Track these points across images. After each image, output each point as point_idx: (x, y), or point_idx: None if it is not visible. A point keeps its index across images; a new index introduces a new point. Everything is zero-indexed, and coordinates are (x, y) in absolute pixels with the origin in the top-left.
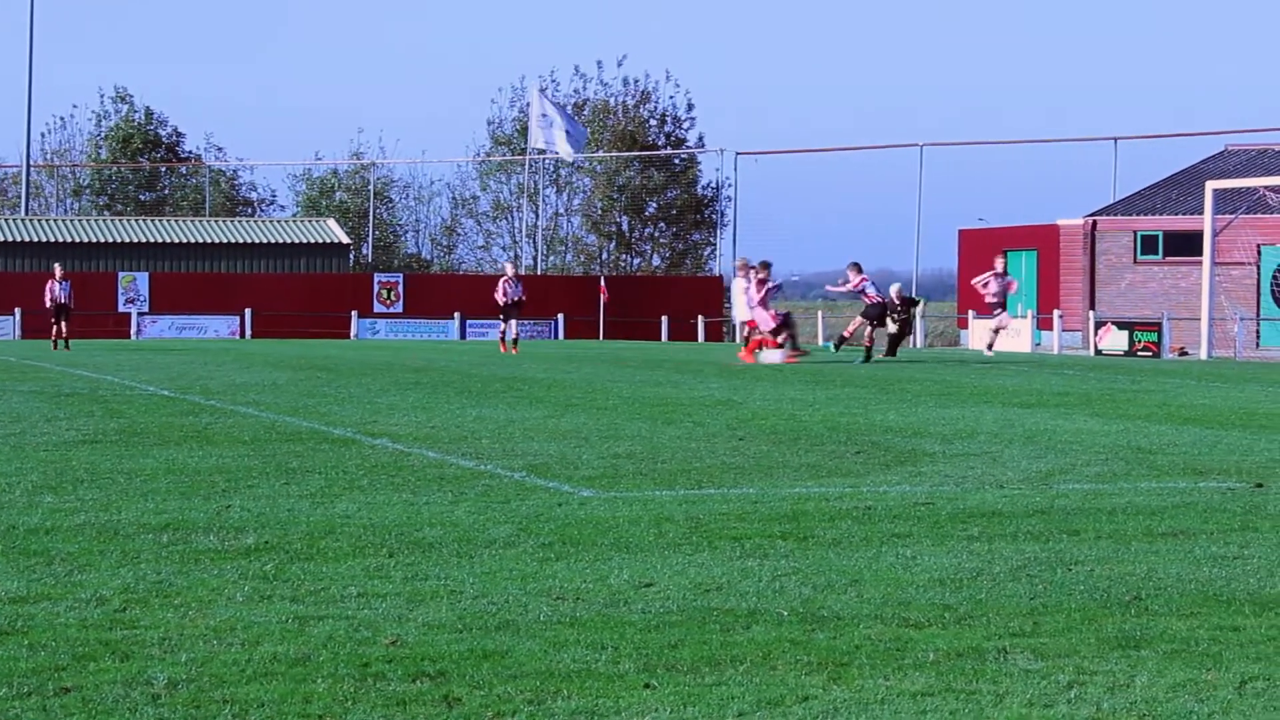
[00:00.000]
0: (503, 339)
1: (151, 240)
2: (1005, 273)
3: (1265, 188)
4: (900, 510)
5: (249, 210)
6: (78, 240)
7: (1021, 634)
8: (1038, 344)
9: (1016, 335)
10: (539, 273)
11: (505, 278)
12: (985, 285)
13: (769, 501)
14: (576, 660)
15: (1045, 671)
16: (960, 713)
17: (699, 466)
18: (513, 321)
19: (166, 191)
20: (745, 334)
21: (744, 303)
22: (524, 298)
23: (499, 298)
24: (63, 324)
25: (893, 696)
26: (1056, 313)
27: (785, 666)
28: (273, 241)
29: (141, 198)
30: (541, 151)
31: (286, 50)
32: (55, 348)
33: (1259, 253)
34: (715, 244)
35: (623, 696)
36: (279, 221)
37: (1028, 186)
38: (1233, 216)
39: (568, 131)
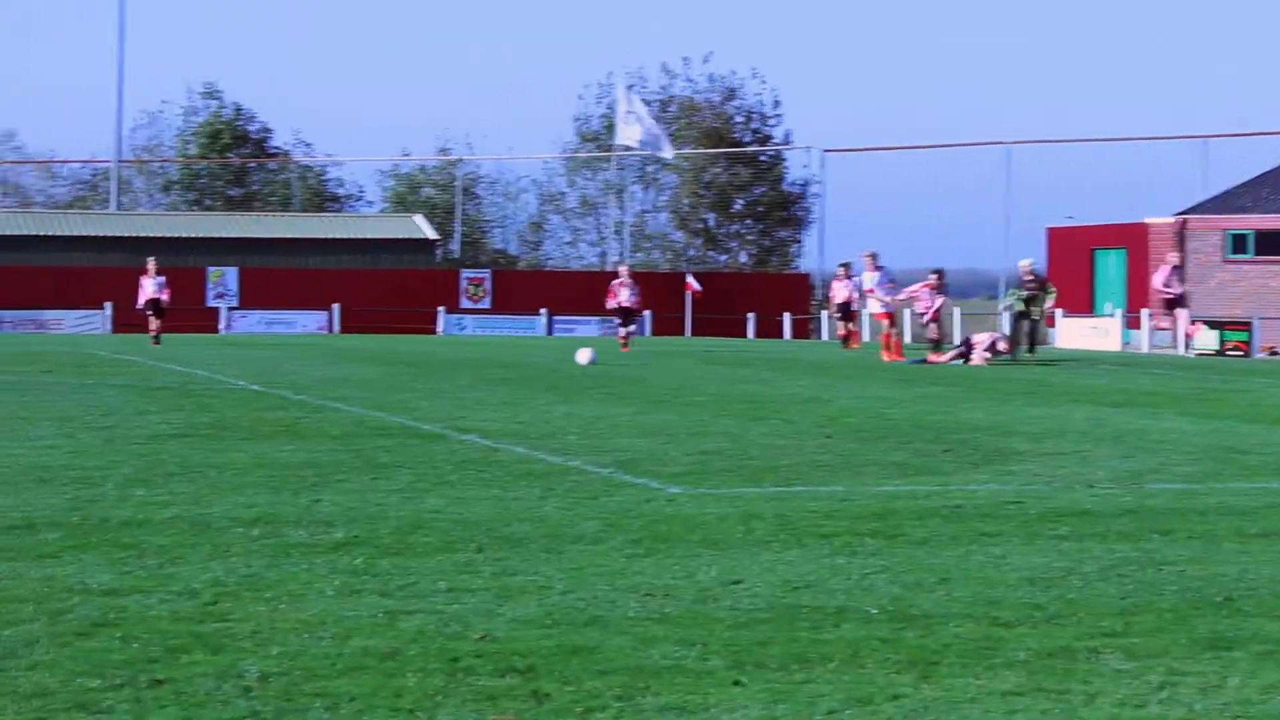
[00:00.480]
0: (624, 340)
1: (240, 236)
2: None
3: None
4: (989, 509)
5: (336, 206)
6: (167, 236)
7: (1112, 634)
8: (1127, 343)
9: (1106, 335)
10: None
11: (619, 281)
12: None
13: (857, 499)
14: (665, 657)
15: (1136, 672)
16: (1051, 712)
17: (787, 464)
18: (629, 325)
19: (255, 187)
20: (885, 330)
21: (879, 296)
22: (638, 304)
23: (611, 302)
24: (158, 320)
25: (983, 695)
26: (1145, 312)
27: (874, 664)
28: (360, 237)
29: (230, 193)
30: (628, 148)
31: (374, 46)
32: (155, 343)
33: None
34: (802, 241)
35: (711, 693)
36: (366, 217)
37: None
38: None
39: (657, 133)
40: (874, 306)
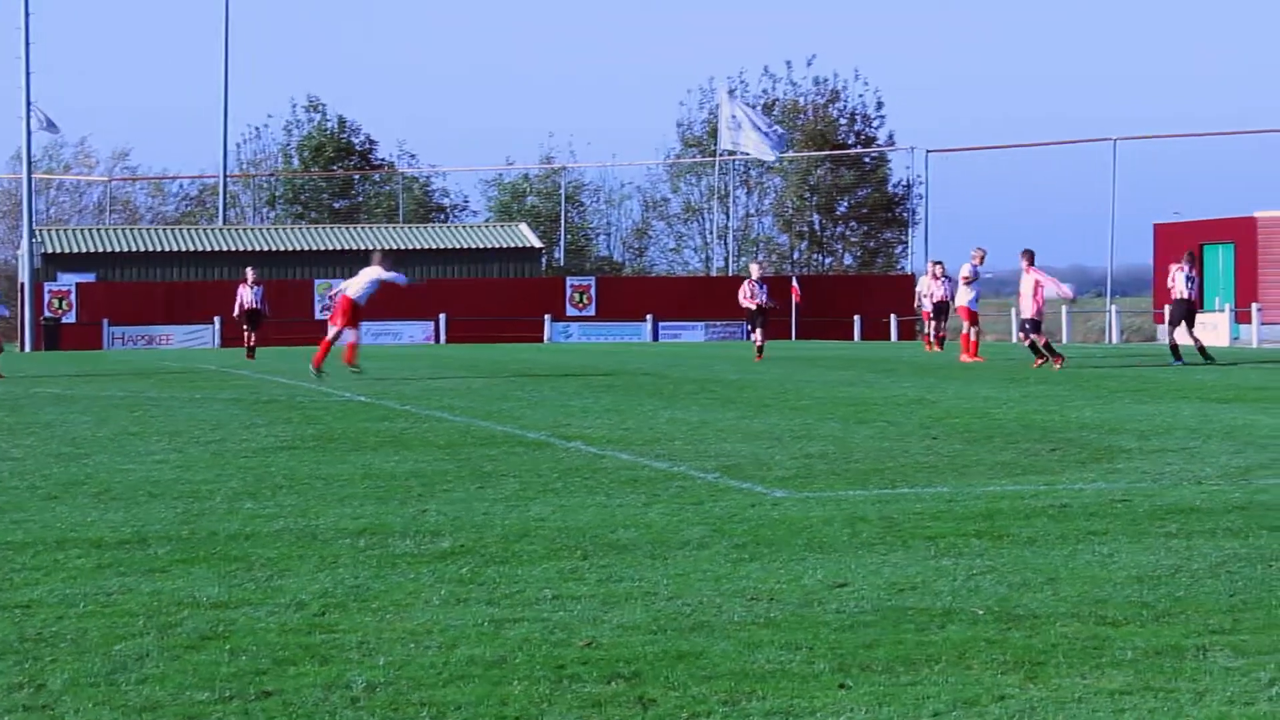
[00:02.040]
0: (758, 350)
1: (346, 247)
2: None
3: None
4: (1096, 507)
5: (442, 216)
6: (274, 249)
7: (1221, 631)
8: (1236, 338)
9: (1215, 330)
10: (730, 274)
11: (749, 279)
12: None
13: (963, 500)
14: (771, 660)
15: (1246, 669)
16: (1159, 711)
17: (892, 465)
18: (758, 329)
19: (360, 199)
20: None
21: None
22: (773, 303)
23: (745, 302)
24: (254, 332)
25: (1090, 695)
26: (1255, 306)
27: (981, 666)
28: (466, 247)
29: (335, 205)
30: (731, 153)
31: (477, 56)
32: (250, 356)
33: None
34: (908, 242)
35: (817, 696)
36: (472, 227)
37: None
38: None
39: (764, 133)
40: (962, 300)
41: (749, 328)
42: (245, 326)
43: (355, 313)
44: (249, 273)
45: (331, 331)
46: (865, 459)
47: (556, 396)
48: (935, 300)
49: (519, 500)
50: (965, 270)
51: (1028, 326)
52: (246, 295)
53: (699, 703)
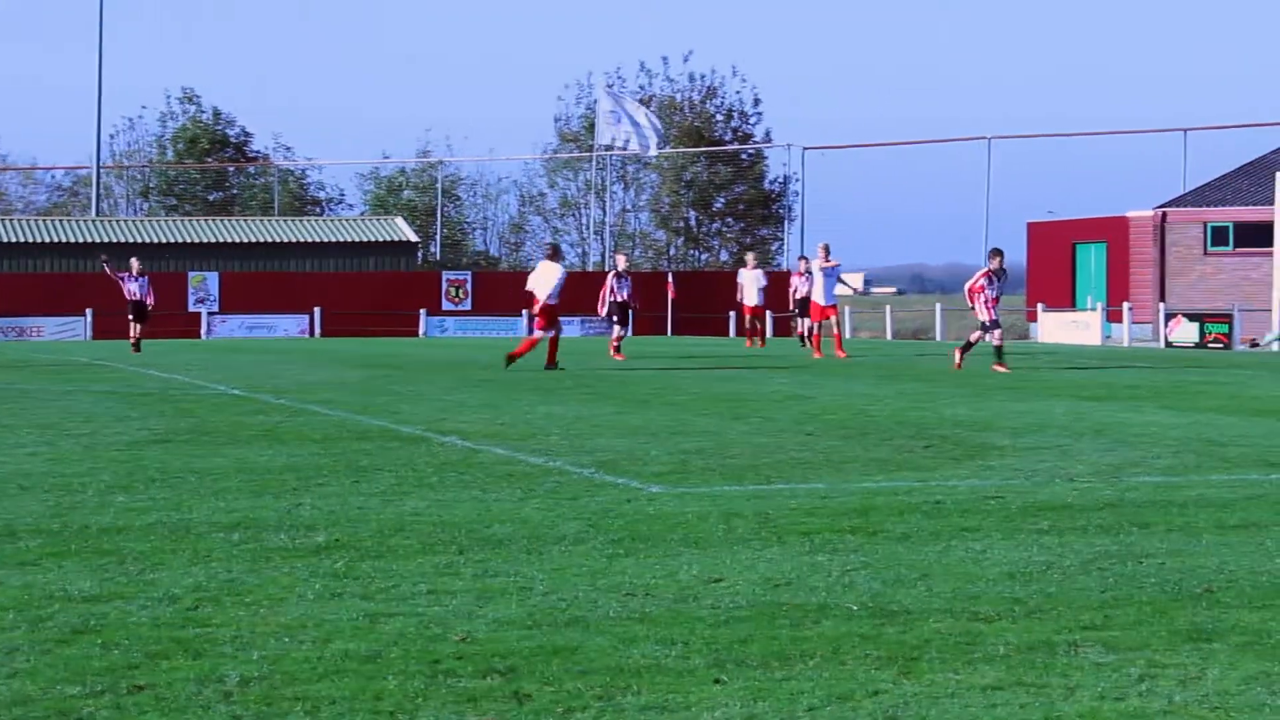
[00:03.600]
0: (618, 347)
1: (220, 240)
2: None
3: None
4: (970, 504)
5: (317, 209)
6: (147, 241)
7: (1092, 627)
8: (1108, 337)
9: (1087, 328)
10: (607, 269)
11: (613, 272)
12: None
13: (838, 496)
14: (646, 656)
15: (1116, 665)
16: (1031, 706)
17: (768, 462)
18: (618, 325)
19: (235, 191)
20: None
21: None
22: (633, 302)
23: (606, 296)
24: (140, 324)
25: (963, 690)
26: (1126, 305)
27: (855, 661)
28: (341, 240)
29: (209, 198)
30: (609, 148)
31: (354, 49)
32: (135, 349)
33: None
34: (783, 238)
35: (693, 692)
36: (347, 220)
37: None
38: None
39: (643, 127)
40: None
41: (610, 322)
42: (131, 319)
43: (553, 313)
44: (134, 264)
45: (537, 334)
46: (741, 455)
47: (432, 391)
48: (799, 297)
49: (394, 495)
50: (815, 265)
51: (986, 326)
52: (132, 287)
53: (574, 698)
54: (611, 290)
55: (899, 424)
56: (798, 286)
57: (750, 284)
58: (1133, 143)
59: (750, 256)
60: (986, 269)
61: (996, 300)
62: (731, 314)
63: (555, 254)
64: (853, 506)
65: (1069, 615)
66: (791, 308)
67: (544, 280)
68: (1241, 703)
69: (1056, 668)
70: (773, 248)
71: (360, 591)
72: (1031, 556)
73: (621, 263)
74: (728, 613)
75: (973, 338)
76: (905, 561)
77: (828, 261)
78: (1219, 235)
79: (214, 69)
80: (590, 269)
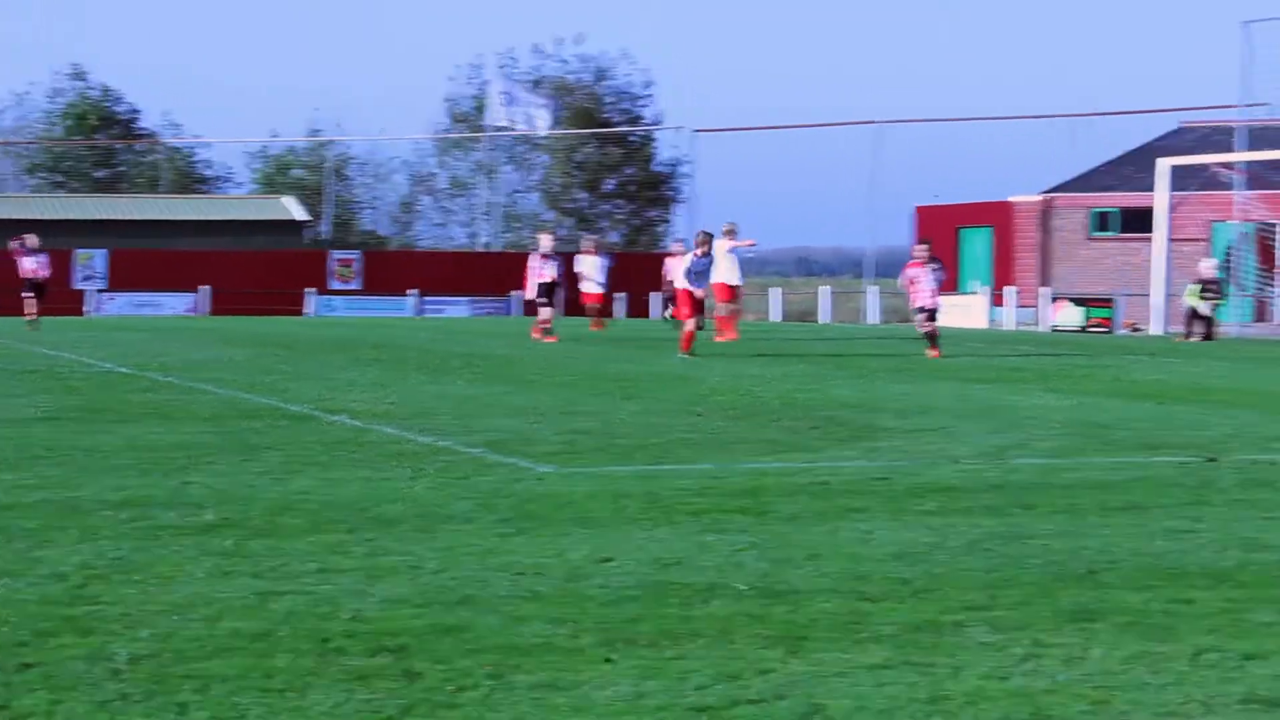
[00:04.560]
0: (543, 328)
1: (108, 218)
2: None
3: (1218, 165)
4: (857, 485)
5: (205, 188)
6: (34, 218)
7: (977, 607)
8: (993, 320)
9: (971, 312)
10: (497, 250)
11: (538, 252)
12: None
13: (726, 477)
14: (537, 634)
15: (1001, 644)
16: (917, 685)
17: (657, 442)
18: (546, 307)
19: (122, 169)
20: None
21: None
22: (562, 281)
23: (531, 279)
24: (39, 300)
25: (850, 669)
26: (1011, 289)
27: (744, 640)
28: (230, 219)
29: (97, 175)
30: (500, 128)
31: (245, 27)
32: (32, 327)
33: (1211, 230)
34: (671, 221)
35: (583, 670)
36: (236, 199)
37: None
38: (1186, 193)
39: (535, 105)
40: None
41: (540, 303)
42: (28, 295)
43: (694, 299)
44: (31, 239)
45: (689, 323)
46: (630, 435)
47: (321, 370)
48: (671, 279)
49: (284, 473)
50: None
51: (922, 315)
52: (28, 263)
53: (465, 676)
54: (537, 272)
55: (787, 405)
56: (672, 269)
57: (589, 268)
58: (1019, 129)
59: (588, 241)
60: (918, 260)
61: (936, 289)
62: (622, 295)
63: (706, 237)
64: (741, 487)
65: (955, 595)
66: (666, 289)
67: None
68: (1124, 682)
69: (943, 647)
70: (661, 229)
71: (250, 570)
72: (918, 537)
73: (546, 243)
74: (617, 592)
75: (926, 329)
76: (793, 542)
77: (736, 241)
78: (1103, 221)
79: (102, 46)
80: (480, 249)
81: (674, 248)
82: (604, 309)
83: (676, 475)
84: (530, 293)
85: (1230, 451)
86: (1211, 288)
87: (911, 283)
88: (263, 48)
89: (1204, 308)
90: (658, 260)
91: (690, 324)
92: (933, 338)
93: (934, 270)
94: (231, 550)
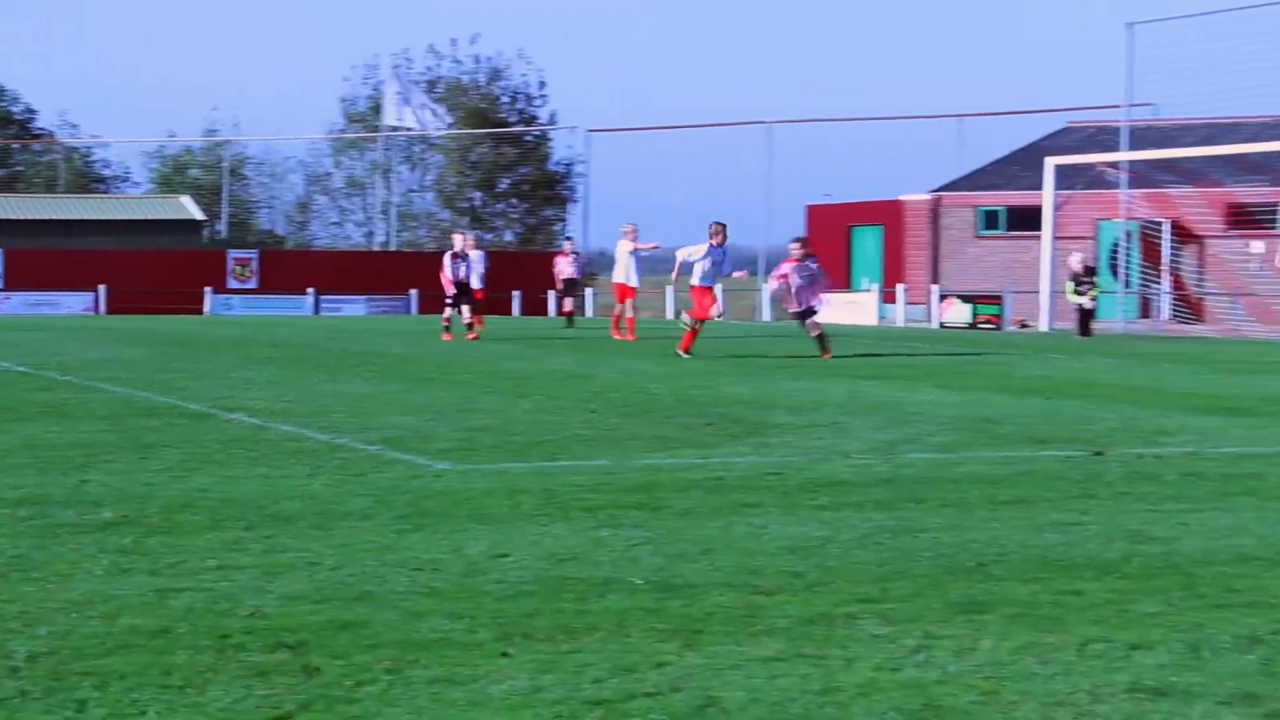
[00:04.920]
0: (451, 327)
1: (5, 218)
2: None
3: (1103, 164)
4: (750, 480)
5: (103, 187)
6: None
7: (869, 600)
8: (883, 318)
9: (863, 309)
10: (393, 249)
11: (452, 252)
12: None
13: (622, 473)
14: (434, 630)
15: (892, 636)
16: (810, 677)
17: (552, 439)
18: (462, 306)
19: (19, 168)
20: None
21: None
22: (479, 282)
23: (446, 277)
24: None
25: (745, 662)
26: (901, 287)
27: (640, 634)
28: (127, 218)
29: None
30: (395, 129)
31: (142, 27)
32: None
33: (1097, 228)
34: (567, 220)
35: (480, 665)
36: (133, 198)
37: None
38: (1072, 192)
39: (428, 107)
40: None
41: (451, 303)
42: None
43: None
44: None
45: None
46: (526, 432)
47: (219, 369)
48: (565, 277)
49: (182, 471)
50: (623, 247)
51: (803, 316)
52: None
53: (363, 671)
54: (450, 271)
55: (681, 402)
56: (563, 268)
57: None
58: (908, 129)
59: (466, 238)
60: (790, 257)
61: (810, 287)
62: (516, 294)
63: (719, 229)
64: (636, 483)
65: (847, 588)
66: (558, 287)
67: (697, 253)
68: (1013, 672)
69: (835, 639)
70: (557, 228)
71: (148, 567)
72: (810, 531)
73: (459, 242)
74: (514, 587)
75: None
76: (688, 537)
77: (637, 244)
78: (991, 219)
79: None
80: (376, 248)
81: (565, 246)
82: (481, 307)
83: (572, 471)
84: (451, 291)
85: (1115, 445)
86: (1085, 279)
87: (783, 278)
88: (159, 47)
89: (1085, 302)
90: (552, 259)
91: (695, 323)
92: (822, 339)
93: (808, 269)
94: (130, 548)
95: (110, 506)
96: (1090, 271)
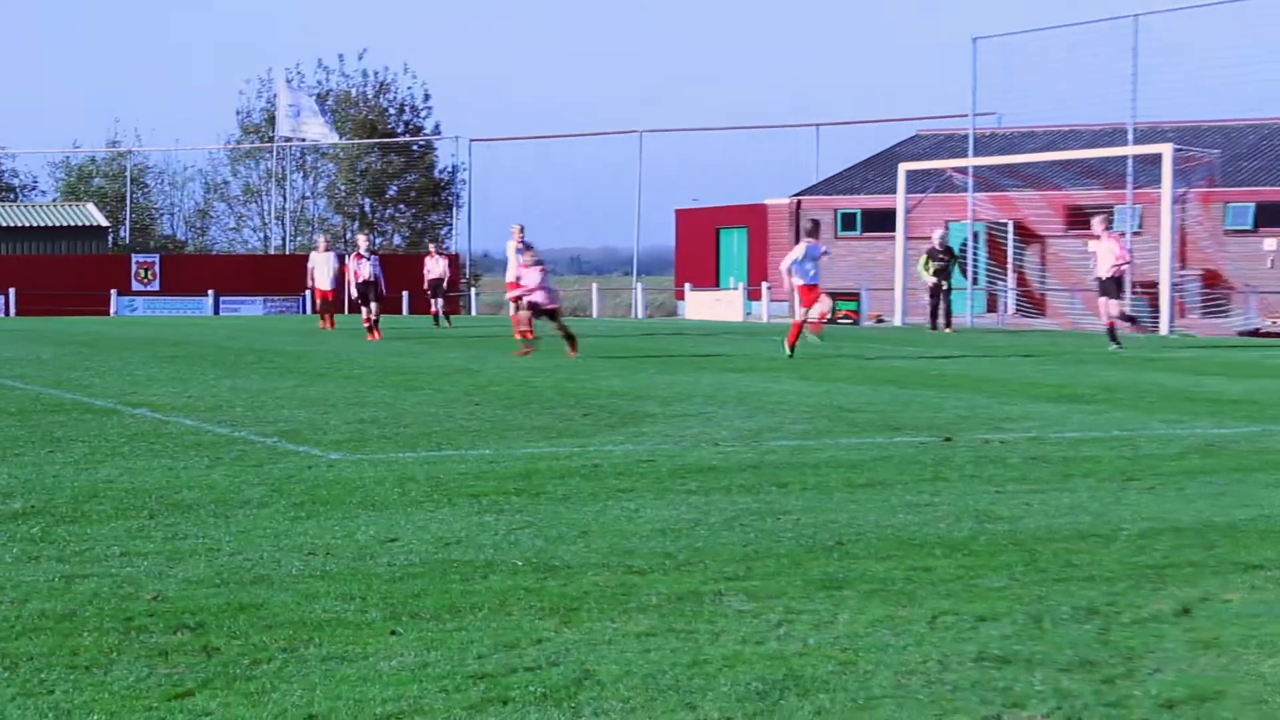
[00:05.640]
0: (372, 326)
1: None
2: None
3: (951, 169)
4: (624, 467)
5: (12, 196)
6: None
7: (735, 578)
8: (749, 313)
9: (730, 306)
10: (287, 252)
11: (355, 254)
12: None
13: (504, 461)
14: (327, 610)
15: (757, 611)
16: (680, 650)
17: (439, 430)
18: (373, 304)
19: None
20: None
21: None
22: (380, 280)
23: (352, 279)
24: None
25: (619, 637)
26: (765, 285)
27: (520, 612)
28: (35, 225)
29: None
30: (288, 139)
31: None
32: None
33: (947, 228)
34: (452, 224)
35: (370, 643)
36: (41, 206)
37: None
38: (923, 195)
39: (320, 117)
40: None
41: (361, 302)
42: None
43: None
44: None
45: (800, 313)
46: (414, 424)
47: (123, 366)
48: (432, 277)
49: (88, 463)
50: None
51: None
52: None
53: (260, 650)
54: (354, 271)
55: (559, 394)
56: (430, 268)
57: (322, 266)
58: (770, 136)
59: (322, 240)
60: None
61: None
62: (405, 294)
63: (813, 226)
64: (517, 470)
65: (714, 567)
66: (425, 288)
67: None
68: (869, 644)
69: (704, 615)
70: (443, 232)
71: (56, 554)
72: (680, 514)
73: (363, 243)
74: (403, 569)
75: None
76: (566, 520)
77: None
78: (848, 221)
79: None
80: (272, 252)
81: (431, 248)
82: (334, 306)
83: (457, 460)
84: (354, 293)
85: (964, 432)
86: (940, 256)
87: (519, 280)
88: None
89: (928, 278)
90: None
91: (812, 312)
92: (526, 337)
93: (537, 266)
94: (38, 536)
95: (19, 497)
96: (948, 251)
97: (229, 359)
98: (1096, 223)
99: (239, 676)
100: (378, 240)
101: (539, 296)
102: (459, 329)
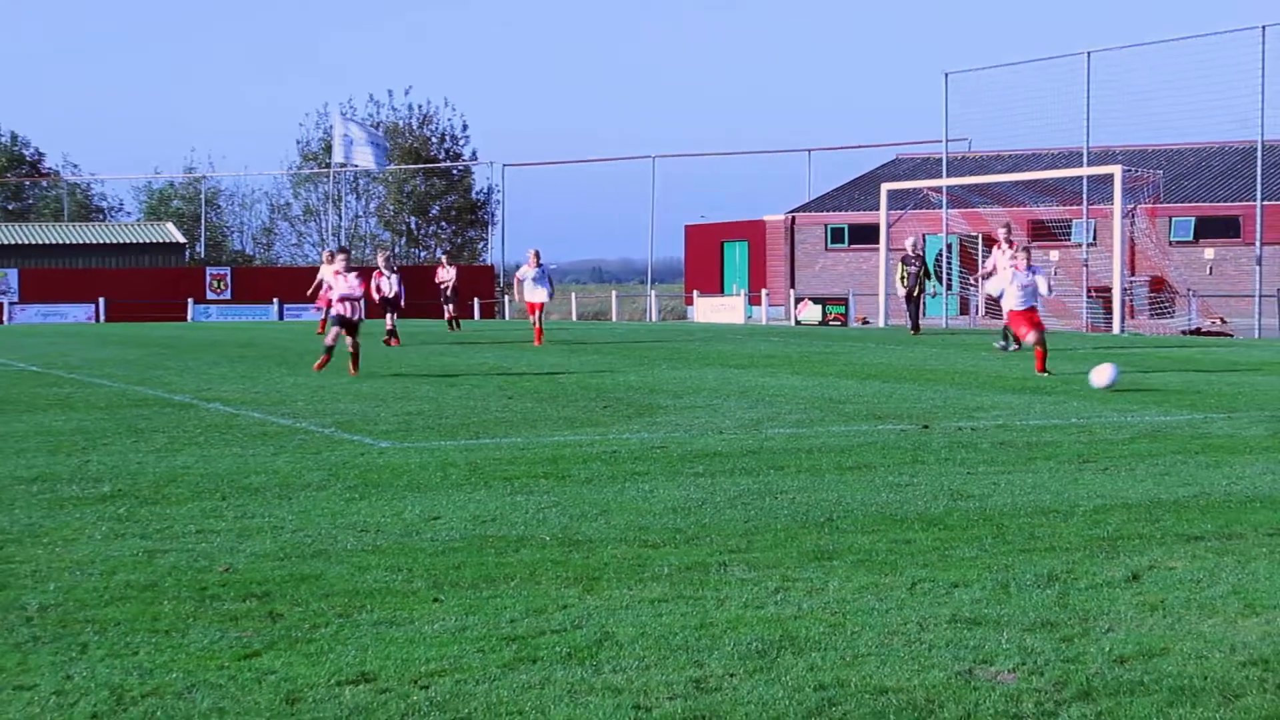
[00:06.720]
0: (391, 334)
1: (19, 242)
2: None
3: (928, 188)
4: (640, 453)
5: (101, 216)
6: None
7: (738, 550)
8: (749, 317)
9: (733, 310)
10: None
11: (377, 271)
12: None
13: (534, 448)
14: (378, 580)
15: (757, 580)
16: (689, 614)
17: (476, 421)
18: (389, 314)
19: (31, 202)
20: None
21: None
22: (401, 295)
23: (374, 295)
24: None
25: (635, 603)
26: (764, 291)
27: (548, 581)
28: (121, 242)
29: (9, 207)
30: (343, 165)
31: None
32: None
33: (923, 239)
34: (488, 239)
35: (416, 609)
36: (126, 225)
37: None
38: (903, 211)
39: (373, 145)
40: (537, 297)
41: (385, 313)
42: None
43: (1031, 317)
44: None
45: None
46: (455, 415)
47: (199, 366)
48: (447, 287)
49: (167, 452)
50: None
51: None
52: None
53: (319, 615)
54: (376, 285)
55: (582, 389)
56: (442, 277)
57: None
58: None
59: (381, 256)
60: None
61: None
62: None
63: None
64: (545, 456)
65: (719, 541)
66: (375, 302)
67: (995, 282)
68: (855, 608)
69: (710, 583)
70: (479, 247)
71: (139, 532)
72: (689, 494)
73: (382, 261)
74: (444, 544)
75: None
76: (588, 500)
77: (538, 264)
78: (837, 235)
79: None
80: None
81: (442, 259)
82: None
83: (492, 448)
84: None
85: (940, 420)
86: (912, 261)
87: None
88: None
89: (900, 289)
90: (478, 272)
91: (1032, 337)
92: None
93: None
94: (124, 516)
95: (107, 482)
96: (919, 259)
97: (291, 359)
98: (1002, 234)
99: (300, 639)
100: (421, 254)
101: (344, 308)
102: (490, 331)
